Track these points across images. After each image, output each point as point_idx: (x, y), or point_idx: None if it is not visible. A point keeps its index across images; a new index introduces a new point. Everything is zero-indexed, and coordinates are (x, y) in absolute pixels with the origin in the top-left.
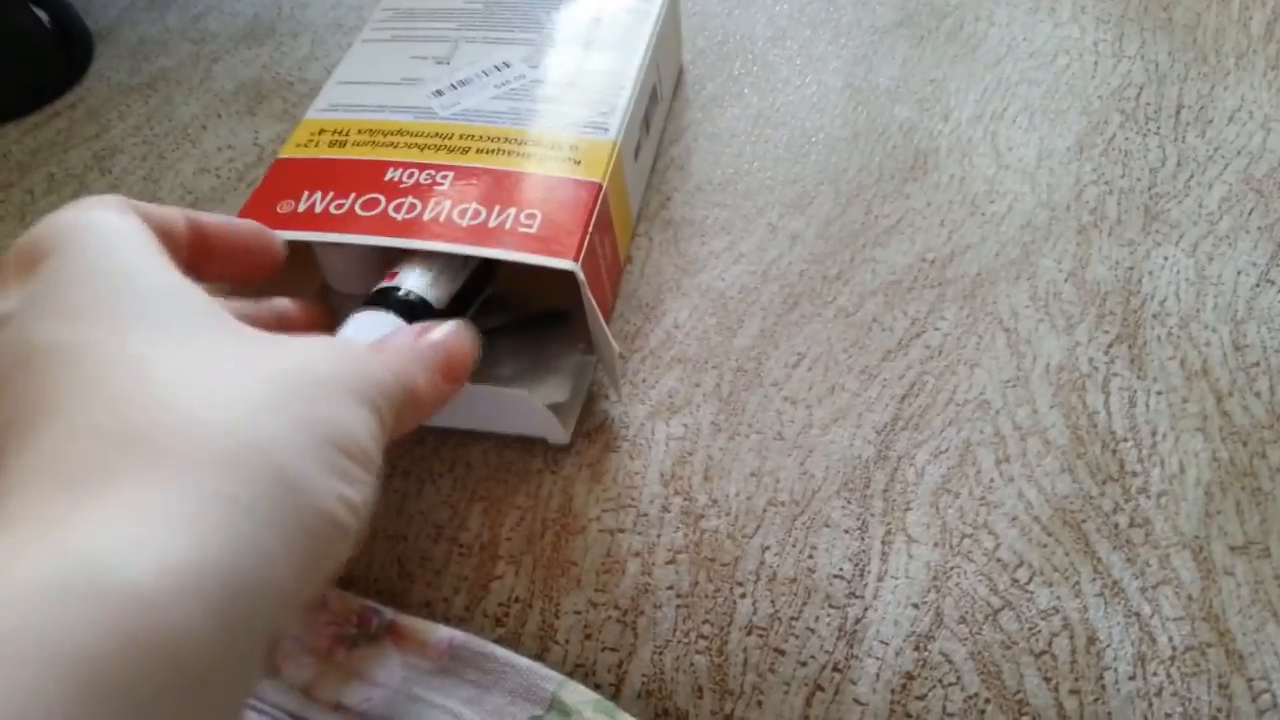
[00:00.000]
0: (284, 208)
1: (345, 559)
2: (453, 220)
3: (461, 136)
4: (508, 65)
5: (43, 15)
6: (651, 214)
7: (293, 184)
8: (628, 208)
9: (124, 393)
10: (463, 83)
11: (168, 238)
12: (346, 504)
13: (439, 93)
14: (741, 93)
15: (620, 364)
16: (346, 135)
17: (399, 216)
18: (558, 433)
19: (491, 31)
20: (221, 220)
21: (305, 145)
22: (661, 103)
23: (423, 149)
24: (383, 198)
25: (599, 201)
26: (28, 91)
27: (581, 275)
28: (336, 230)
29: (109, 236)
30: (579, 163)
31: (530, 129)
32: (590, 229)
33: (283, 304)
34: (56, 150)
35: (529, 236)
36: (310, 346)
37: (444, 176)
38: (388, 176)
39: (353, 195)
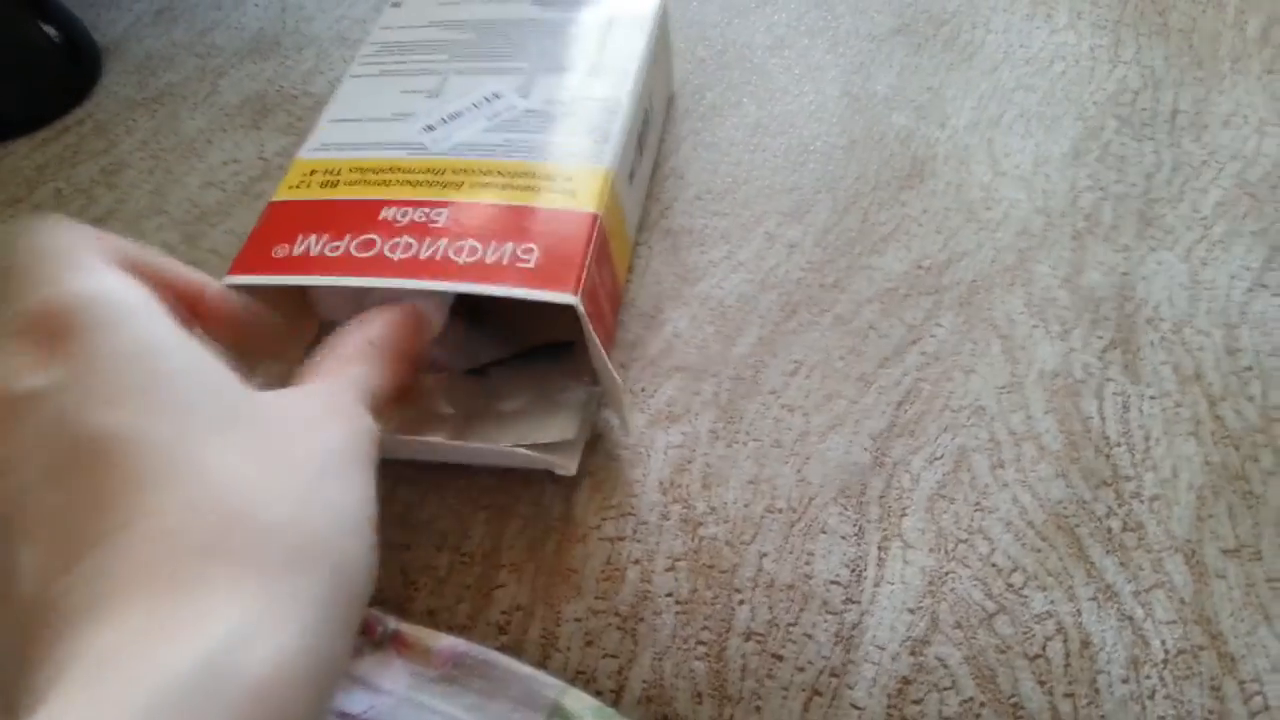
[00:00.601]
0: (279, 252)
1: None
2: (450, 258)
3: (455, 171)
4: (498, 96)
5: (51, 31)
6: (651, 223)
7: (287, 227)
8: (625, 233)
9: (192, 498)
10: (454, 115)
11: (161, 288)
12: (371, 571)
13: (430, 127)
14: (740, 102)
15: (628, 398)
16: (338, 175)
17: (395, 256)
18: (565, 466)
19: (481, 62)
20: (181, 270)
21: (298, 187)
22: (654, 123)
23: (416, 185)
24: (378, 238)
25: (596, 232)
26: (36, 107)
27: (583, 309)
28: (333, 273)
29: (134, 314)
30: (575, 193)
31: (524, 161)
32: (589, 260)
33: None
34: (65, 165)
35: (527, 271)
36: (316, 418)
37: (439, 213)
38: (382, 215)
39: (348, 236)
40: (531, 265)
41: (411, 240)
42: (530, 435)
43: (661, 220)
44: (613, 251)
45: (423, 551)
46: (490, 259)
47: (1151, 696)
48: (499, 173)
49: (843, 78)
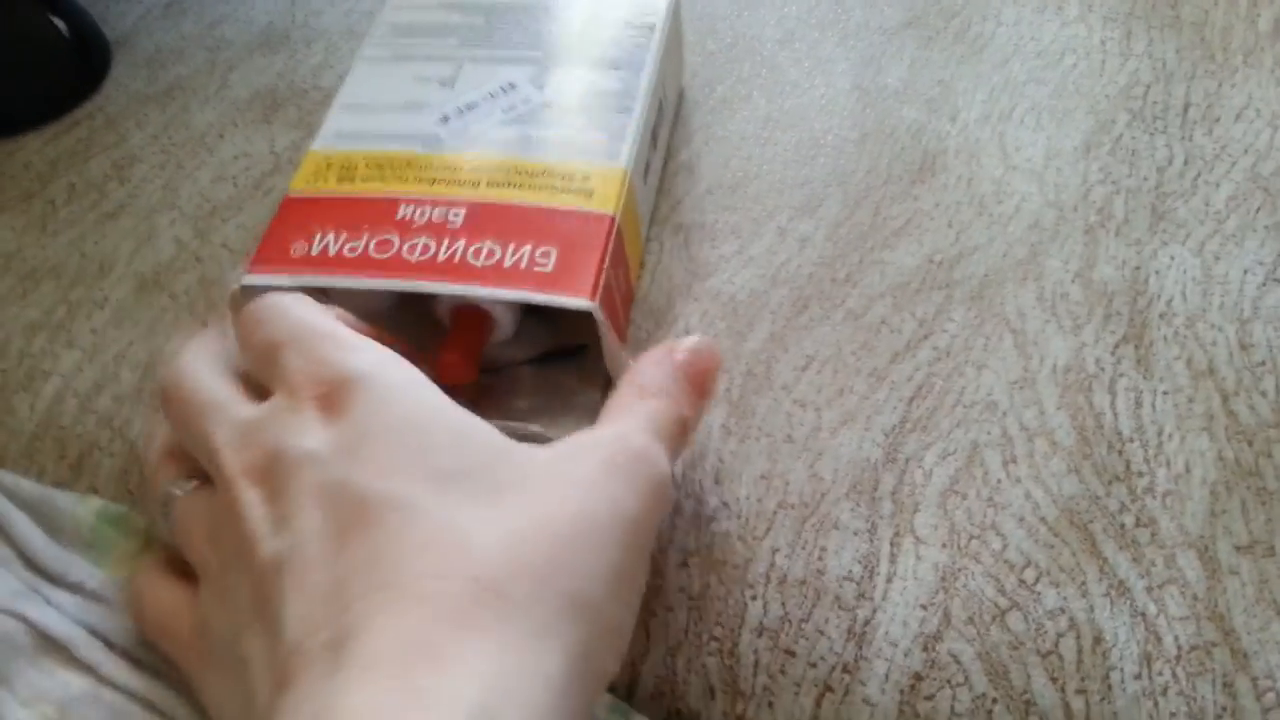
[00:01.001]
0: (297, 250)
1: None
2: (468, 261)
3: (472, 168)
4: (514, 87)
5: (60, 24)
6: (661, 218)
7: (304, 224)
8: (638, 232)
9: (445, 564)
10: (470, 107)
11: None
12: (626, 635)
13: (446, 119)
14: (750, 95)
15: None
16: (354, 169)
17: (413, 258)
18: None
19: (495, 49)
20: (348, 318)
21: (313, 180)
22: (667, 118)
23: (433, 183)
24: (396, 237)
25: (612, 235)
26: (46, 101)
27: (601, 315)
28: (352, 274)
29: (405, 387)
30: (592, 194)
31: (541, 158)
32: (605, 264)
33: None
34: (76, 159)
35: (545, 275)
36: (589, 477)
37: (457, 213)
38: (400, 214)
39: (366, 235)
40: (549, 269)
41: (429, 241)
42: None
43: (672, 215)
44: (627, 251)
45: None
46: (509, 262)
47: (1164, 692)
48: (516, 170)
49: (853, 71)
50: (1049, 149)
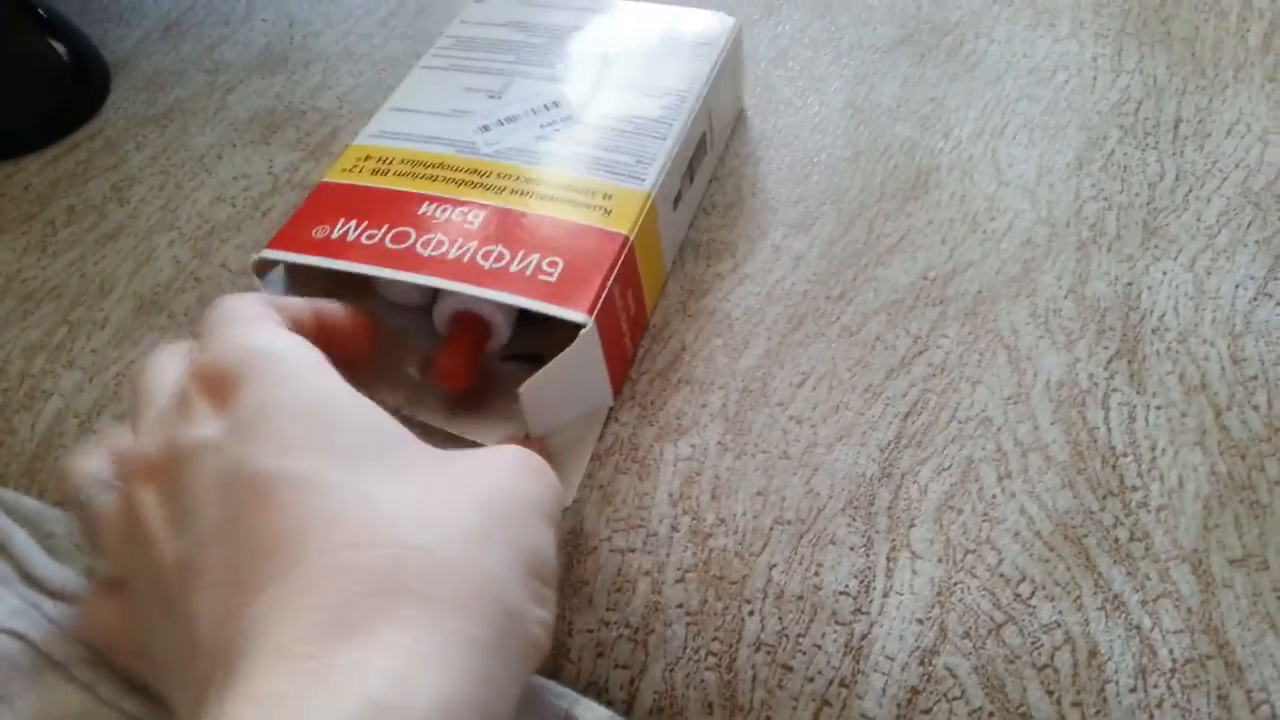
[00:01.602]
0: (319, 232)
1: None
2: (477, 262)
3: (499, 175)
4: (556, 105)
5: (60, 47)
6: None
7: (331, 209)
8: (660, 258)
9: (364, 533)
10: (510, 119)
11: (302, 329)
12: (545, 626)
13: (485, 128)
14: (744, 114)
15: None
16: (389, 164)
17: (425, 253)
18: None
19: (547, 68)
20: (333, 306)
21: (350, 170)
22: (713, 148)
23: (459, 185)
24: (413, 231)
25: (624, 253)
26: (46, 123)
27: (591, 327)
28: (366, 261)
29: (305, 369)
30: (610, 212)
31: (566, 173)
32: (610, 281)
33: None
34: (76, 181)
35: (548, 285)
36: (502, 467)
37: (475, 215)
38: (421, 210)
39: (385, 226)
40: (554, 279)
41: (444, 238)
42: (470, 431)
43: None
44: (641, 274)
45: None
46: (515, 267)
47: (1159, 706)
48: (540, 182)
49: (847, 89)
50: (1041, 165)
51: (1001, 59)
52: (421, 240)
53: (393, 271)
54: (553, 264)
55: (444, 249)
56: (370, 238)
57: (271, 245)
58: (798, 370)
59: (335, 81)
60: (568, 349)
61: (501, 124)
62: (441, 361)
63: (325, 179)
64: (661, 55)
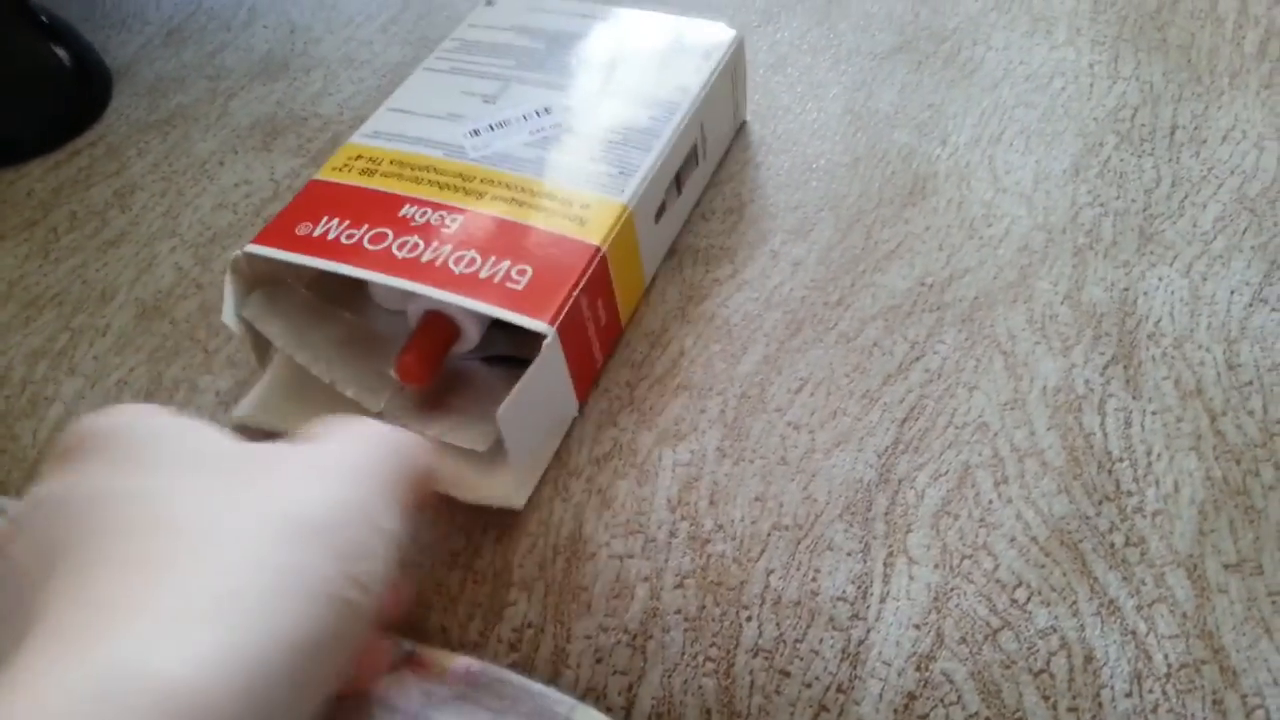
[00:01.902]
0: (302, 229)
1: (369, 628)
2: (448, 266)
3: (481, 180)
4: (548, 111)
5: (62, 54)
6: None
7: (317, 206)
8: (639, 269)
9: (142, 521)
10: (501, 124)
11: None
12: (356, 582)
13: (475, 132)
14: (743, 120)
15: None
16: (378, 164)
17: (400, 254)
18: (507, 499)
19: (544, 74)
20: None
21: (340, 169)
22: (706, 160)
23: (442, 188)
24: (390, 233)
25: (594, 264)
26: (48, 130)
27: (553, 336)
28: (342, 260)
29: (149, 422)
30: (585, 222)
31: (546, 180)
32: (577, 292)
33: None
34: (78, 188)
35: (515, 292)
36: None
37: (453, 219)
38: (402, 212)
39: (365, 226)
40: (521, 287)
41: (419, 241)
42: (447, 435)
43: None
44: (616, 286)
45: (434, 570)
46: (484, 273)
47: (1154, 711)
48: (520, 188)
49: (845, 95)
50: (1038, 172)
51: (999, 66)
52: (398, 242)
53: (363, 271)
54: (521, 271)
55: (418, 251)
56: (350, 237)
57: (256, 241)
58: (796, 376)
59: (336, 88)
60: (534, 363)
61: (492, 129)
62: (401, 356)
63: (316, 176)
64: (659, 65)
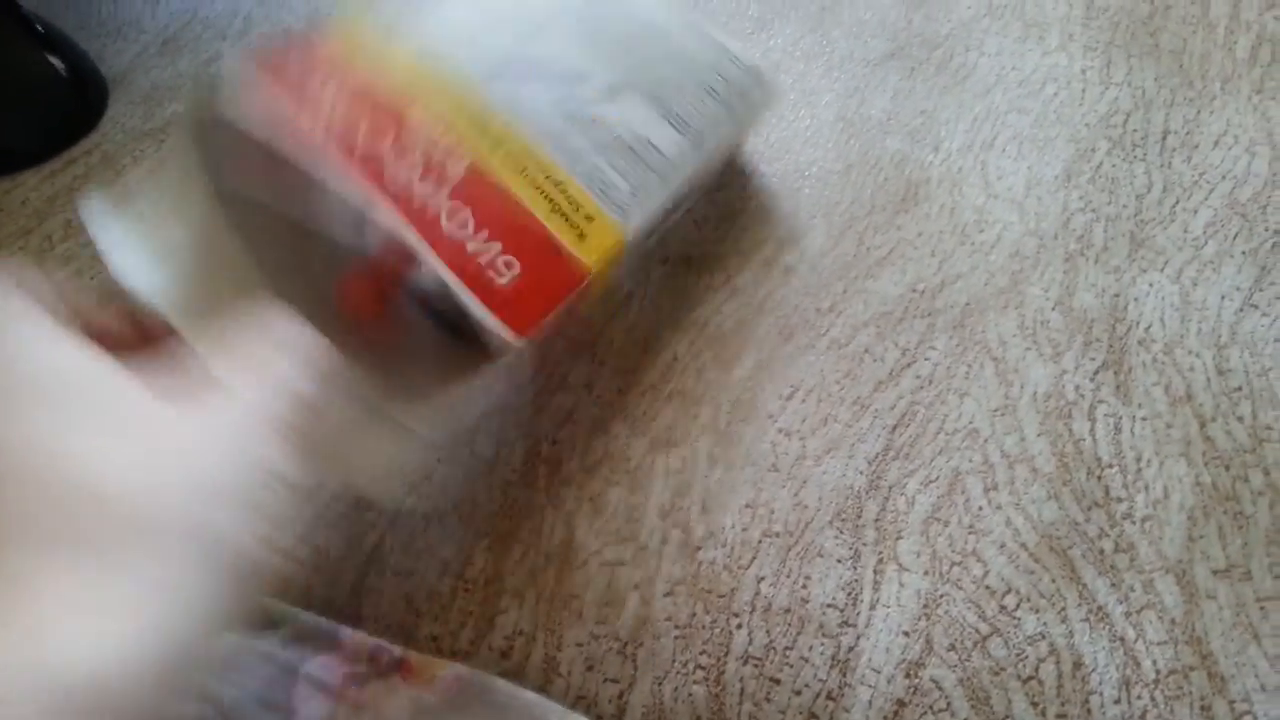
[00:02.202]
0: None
1: (273, 571)
2: (440, 220)
3: (499, 130)
4: (583, 80)
5: (58, 63)
6: (650, 250)
7: (315, 67)
8: (615, 276)
9: (43, 486)
10: (535, 65)
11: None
12: (254, 534)
13: (505, 62)
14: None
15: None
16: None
17: (399, 175)
18: (380, 490)
19: (588, 31)
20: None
21: (353, 38)
22: (701, 189)
23: (456, 116)
24: (390, 154)
25: (579, 288)
26: (44, 139)
27: (523, 354)
28: (334, 155)
29: (10, 321)
30: (585, 236)
31: (561, 166)
32: (555, 312)
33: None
34: (73, 196)
35: (496, 287)
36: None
37: (459, 164)
38: (408, 124)
39: (362, 125)
40: (505, 283)
41: (415, 175)
42: (395, 411)
43: (659, 248)
44: (590, 296)
45: (426, 578)
46: (472, 247)
47: (1143, 717)
48: (533, 160)
49: (838, 102)
50: (1030, 178)
51: (991, 72)
52: (397, 160)
53: (356, 184)
54: (509, 264)
55: (410, 186)
56: (348, 130)
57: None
58: (787, 383)
59: None
60: (498, 364)
61: (520, 73)
62: (351, 281)
63: (323, 34)
64: (700, 88)
